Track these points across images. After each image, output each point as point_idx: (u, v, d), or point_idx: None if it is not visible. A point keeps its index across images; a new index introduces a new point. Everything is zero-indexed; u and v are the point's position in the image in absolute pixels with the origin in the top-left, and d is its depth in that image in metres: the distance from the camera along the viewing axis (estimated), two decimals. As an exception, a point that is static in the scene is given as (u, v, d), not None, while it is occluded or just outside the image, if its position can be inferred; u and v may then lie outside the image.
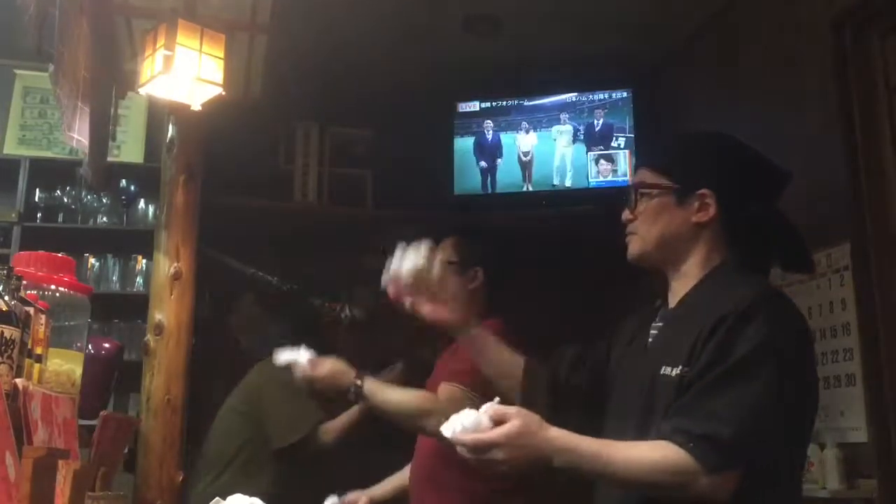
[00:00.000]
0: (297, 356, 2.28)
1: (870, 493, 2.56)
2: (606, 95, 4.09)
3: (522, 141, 4.22)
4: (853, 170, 2.68)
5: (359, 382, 2.23)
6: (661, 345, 1.51)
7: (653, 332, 1.56)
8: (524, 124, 4.23)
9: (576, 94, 4.13)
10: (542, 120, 4.21)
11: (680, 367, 1.39)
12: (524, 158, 4.21)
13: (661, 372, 1.43)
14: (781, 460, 1.40)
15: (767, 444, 1.34)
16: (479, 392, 2.27)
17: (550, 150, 4.18)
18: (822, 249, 2.79)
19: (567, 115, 4.17)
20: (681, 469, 1.31)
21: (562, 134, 4.17)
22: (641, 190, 1.55)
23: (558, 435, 1.38)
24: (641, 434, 1.42)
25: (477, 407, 2.21)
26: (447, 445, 1.47)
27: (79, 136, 2.47)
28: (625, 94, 4.04)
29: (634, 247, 1.57)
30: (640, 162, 1.66)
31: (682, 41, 3.78)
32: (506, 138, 4.24)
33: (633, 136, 3.99)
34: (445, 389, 2.29)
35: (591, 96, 4.12)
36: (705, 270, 1.51)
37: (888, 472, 2.51)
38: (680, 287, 1.54)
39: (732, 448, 1.30)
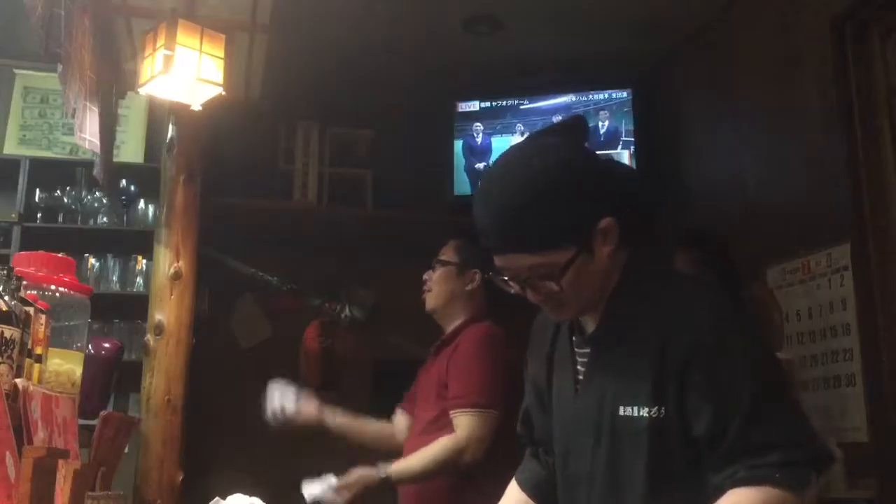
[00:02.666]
0: (324, 487, 2.33)
1: (870, 494, 2.56)
2: (606, 95, 4.09)
3: (517, 145, 4.21)
4: (853, 170, 2.68)
5: (384, 475, 2.31)
6: (603, 379, 1.38)
7: (581, 359, 1.44)
8: (519, 126, 4.20)
9: (574, 94, 4.12)
10: (537, 123, 4.15)
11: (648, 409, 1.31)
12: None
13: (621, 413, 1.33)
14: None
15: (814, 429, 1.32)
16: (491, 406, 2.31)
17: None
18: (822, 249, 2.79)
19: (560, 118, 4.14)
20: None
21: None
22: (546, 272, 1.33)
23: None
24: (615, 483, 1.35)
25: (495, 420, 2.26)
26: None
27: (90, 137, 2.48)
28: (624, 95, 4.04)
29: (570, 312, 1.42)
30: (503, 250, 1.37)
31: (682, 41, 3.78)
32: (500, 142, 4.18)
33: (632, 136, 3.98)
34: (458, 421, 2.34)
35: (590, 96, 4.11)
36: (613, 283, 1.40)
37: (888, 472, 2.51)
38: (597, 305, 1.42)
39: (811, 456, 1.26)
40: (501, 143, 4.17)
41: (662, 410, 1.30)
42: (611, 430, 1.35)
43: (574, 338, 1.46)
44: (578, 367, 1.44)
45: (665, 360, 1.30)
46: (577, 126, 1.46)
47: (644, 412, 1.31)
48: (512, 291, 1.40)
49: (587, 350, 1.43)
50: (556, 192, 1.30)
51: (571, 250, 1.32)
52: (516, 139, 4.15)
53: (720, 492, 1.25)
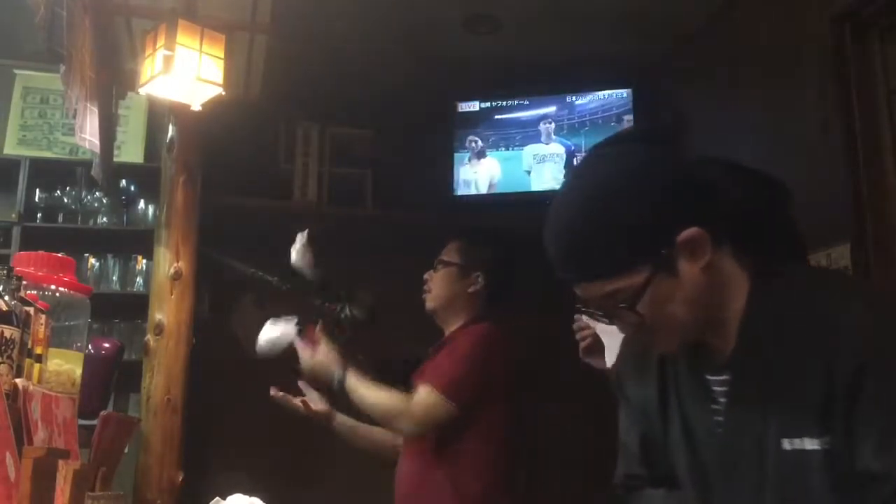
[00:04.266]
0: (288, 330, 2.38)
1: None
2: (606, 95, 4.08)
3: (473, 173, 4.06)
4: (853, 170, 2.68)
5: (343, 375, 2.33)
6: (757, 409, 1.17)
7: (718, 388, 1.23)
8: (473, 142, 4.05)
9: (573, 95, 4.10)
10: (516, 137, 4.06)
11: (820, 440, 1.10)
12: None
13: (786, 447, 1.13)
14: None
15: None
16: (454, 398, 2.29)
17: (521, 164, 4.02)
18: (822, 249, 2.79)
19: (552, 126, 4.01)
20: None
21: (546, 158, 3.98)
22: (621, 299, 1.16)
23: None
24: None
25: (451, 413, 2.26)
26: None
27: (90, 137, 2.48)
28: (624, 95, 4.04)
29: (671, 341, 1.23)
30: (573, 280, 1.20)
31: (682, 41, 3.78)
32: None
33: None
34: (420, 391, 2.32)
35: (591, 96, 4.09)
36: (741, 299, 1.21)
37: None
38: (721, 327, 1.22)
39: None
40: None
41: (836, 440, 1.09)
42: (778, 471, 1.14)
43: (699, 362, 1.26)
44: (715, 397, 1.23)
45: (831, 378, 1.09)
46: (651, 129, 1.32)
47: (815, 444, 1.10)
48: (603, 323, 1.25)
49: (725, 377, 1.22)
50: (615, 208, 1.14)
51: (644, 272, 1.14)
52: (469, 167, 4.08)
53: None
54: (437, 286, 2.56)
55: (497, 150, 4.09)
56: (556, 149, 4.03)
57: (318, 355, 2.39)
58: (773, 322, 1.17)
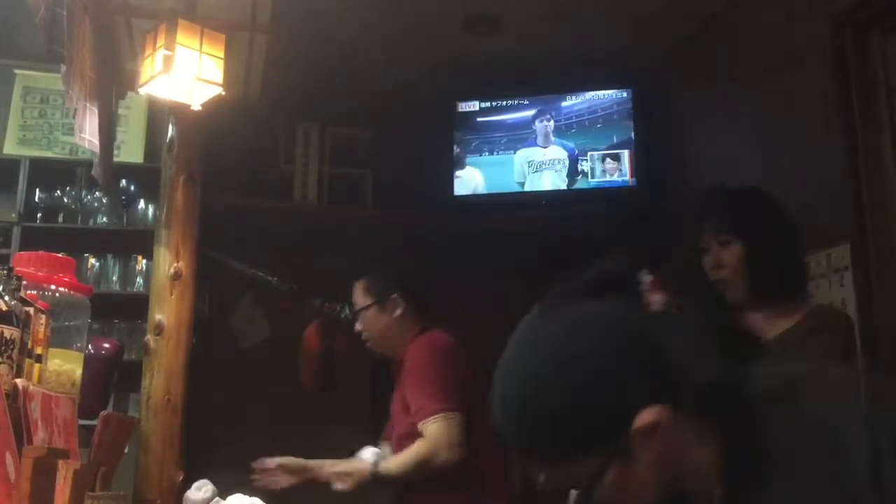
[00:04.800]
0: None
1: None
2: (606, 95, 4.07)
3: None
4: (853, 170, 2.68)
5: (375, 466, 2.42)
6: None
7: None
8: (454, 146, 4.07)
9: (573, 94, 4.10)
10: (502, 140, 4.05)
11: None
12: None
13: None
14: None
15: None
16: (453, 408, 2.34)
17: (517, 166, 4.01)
18: (822, 249, 2.79)
19: (551, 126, 4.00)
20: None
21: (543, 165, 3.98)
22: (581, 483, 1.04)
23: None
24: None
25: (461, 419, 2.28)
26: None
27: (90, 137, 2.48)
28: (624, 95, 4.03)
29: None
30: (524, 455, 1.09)
31: (683, 41, 3.78)
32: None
33: (632, 136, 3.97)
34: (427, 430, 2.36)
35: (591, 95, 4.09)
36: (714, 449, 1.04)
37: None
38: (696, 478, 1.06)
39: None
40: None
41: None
42: None
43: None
44: None
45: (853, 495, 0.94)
46: (609, 283, 1.09)
47: None
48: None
49: None
50: (560, 391, 1.01)
51: (599, 457, 1.01)
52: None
53: None
54: (369, 331, 2.63)
55: (480, 155, 4.09)
56: (556, 153, 4.01)
57: (349, 477, 2.45)
58: (764, 454, 1.01)
